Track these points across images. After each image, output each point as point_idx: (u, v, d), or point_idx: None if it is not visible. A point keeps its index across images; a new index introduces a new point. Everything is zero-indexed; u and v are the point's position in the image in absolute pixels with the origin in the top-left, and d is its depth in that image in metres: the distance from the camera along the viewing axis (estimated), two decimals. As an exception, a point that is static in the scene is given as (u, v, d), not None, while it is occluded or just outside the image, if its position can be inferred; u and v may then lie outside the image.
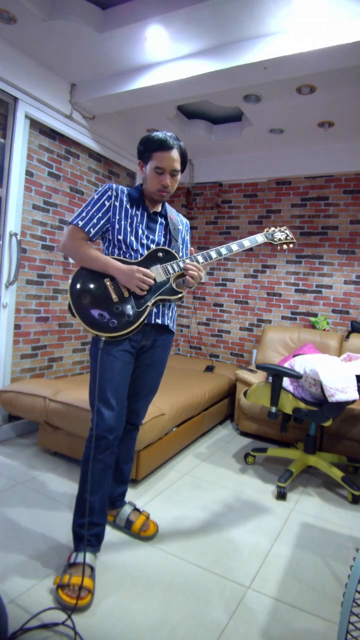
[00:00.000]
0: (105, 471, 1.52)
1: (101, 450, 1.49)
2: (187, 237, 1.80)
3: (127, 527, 1.75)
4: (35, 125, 2.76)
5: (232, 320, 4.08)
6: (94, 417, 1.51)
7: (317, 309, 3.67)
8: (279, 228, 1.77)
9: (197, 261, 1.57)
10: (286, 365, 2.35)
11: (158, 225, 1.63)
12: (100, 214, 1.55)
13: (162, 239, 1.63)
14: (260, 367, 2.28)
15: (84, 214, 1.55)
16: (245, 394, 2.52)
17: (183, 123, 3.43)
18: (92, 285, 1.51)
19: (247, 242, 1.65)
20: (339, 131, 3.18)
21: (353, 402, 2.05)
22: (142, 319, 1.50)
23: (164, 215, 1.66)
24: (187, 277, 1.53)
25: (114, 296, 1.49)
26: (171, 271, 1.55)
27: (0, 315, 2.61)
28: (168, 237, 1.64)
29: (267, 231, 1.75)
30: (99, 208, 1.55)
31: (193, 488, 2.22)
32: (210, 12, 2.03)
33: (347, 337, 3.24)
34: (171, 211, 1.72)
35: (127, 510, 1.79)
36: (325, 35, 2.01)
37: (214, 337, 4.18)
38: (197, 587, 1.46)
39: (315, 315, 3.67)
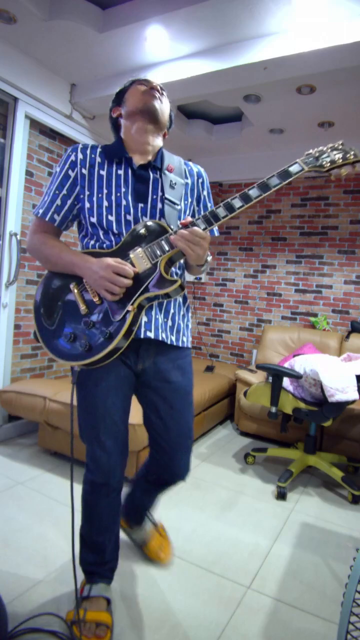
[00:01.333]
0: (113, 511, 1.28)
1: (104, 496, 1.24)
2: (205, 194, 1.28)
3: (141, 545, 1.59)
4: (35, 125, 2.76)
5: (232, 320, 4.08)
6: (88, 459, 1.24)
7: (317, 309, 3.67)
8: (330, 145, 1.08)
9: (216, 217, 1.06)
10: (286, 365, 2.35)
11: (151, 185, 1.15)
12: (65, 191, 1.15)
13: (159, 205, 1.14)
14: (260, 367, 2.28)
15: (45, 197, 1.17)
16: (245, 394, 2.52)
17: (183, 123, 3.43)
18: (55, 295, 1.14)
19: (274, 180, 1.06)
20: (339, 131, 3.18)
21: (353, 402, 2.05)
22: (123, 331, 1.05)
23: (158, 167, 1.17)
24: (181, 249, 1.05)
25: (81, 306, 1.09)
26: (158, 253, 1.07)
27: (0, 315, 2.61)
28: (165, 201, 1.14)
29: (309, 154, 1.08)
30: (62, 182, 1.15)
31: (193, 488, 2.22)
32: (210, 12, 2.03)
33: (347, 337, 3.24)
34: (171, 159, 1.21)
35: (145, 528, 1.57)
36: (325, 35, 2.01)
37: (214, 337, 4.18)
38: (197, 587, 1.46)
39: (315, 315, 3.67)
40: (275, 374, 2.24)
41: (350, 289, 3.53)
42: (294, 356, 2.50)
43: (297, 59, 2.13)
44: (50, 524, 1.78)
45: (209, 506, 2.04)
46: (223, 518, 1.95)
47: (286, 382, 2.32)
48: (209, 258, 1.18)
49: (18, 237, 2.65)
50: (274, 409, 2.26)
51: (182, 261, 1.22)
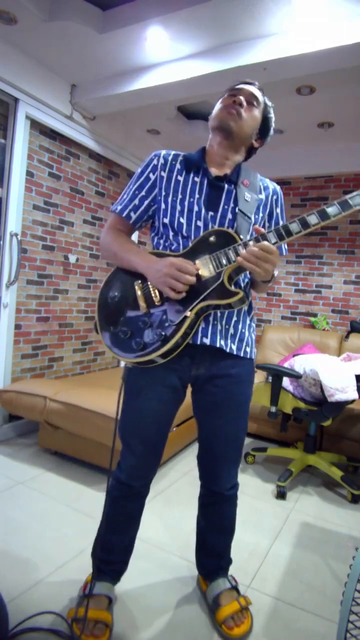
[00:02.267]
0: (132, 514, 1.30)
1: (124, 496, 1.26)
2: (278, 211, 1.27)
3: (212, 608, 1.31)
4: (36, 126, 2.77)
5: (232, 320, 4.08)
6: (120, 457, 1.26)
7: (317, 309, 3.67)
8: None
9: (289, 232, 1.03)
10: (286, 365, 2.35)
11: (224, 196, 1.16)
12: (144, 192, 1.19)
13: (229, 216, 1.14)
14: (260, 367, 2.28)
15: (124, 196, 1.22)
16: (245, 393, 2.52)
17: (183, 123, 3.43)
18: (119, 291, 1.17)
19: (357, 200, 0.99)
20: (338, 131, 3.18)
21: (353, 402, 2.05)
22: (178, 336, 1.06)
23: (233, 181, 1.18)
24: (245, 266, 1.02)
25: (141, 304, 1.12)
26: (224, 262, 1.06)
27: (0, 315, 2.61)
28: (237, 212, 1.14)
29: None
30: (142, 184, 1.20)
31: (193, 488, 2.21)
32: (210, 12, 2.03)
33: (347, 337, 3.24)
34: (247, 174, 1.21)
35: (220, 585, 1.33)
36: (325, 35, 2.01)
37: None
38: (197, 587, 1.47)
39: (315, 315, 3.67)
40: (275, 374, 2.24)
41: (349, 289, 3.53)
42: (294, 356, 2.51)
43: (297, 59, 2.14)
44: (51, 523, 1.78)
45: (209, 506, 2.05)
46: (223, 518, 1.95)
47: (286, 382, 2.32)
48: (276, 273, 1.16)
49: (18, 237, 2.66)
50: (273, 409, 2.27)
51: (248, 274, 1.20)
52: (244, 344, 1.20)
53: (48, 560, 1.54)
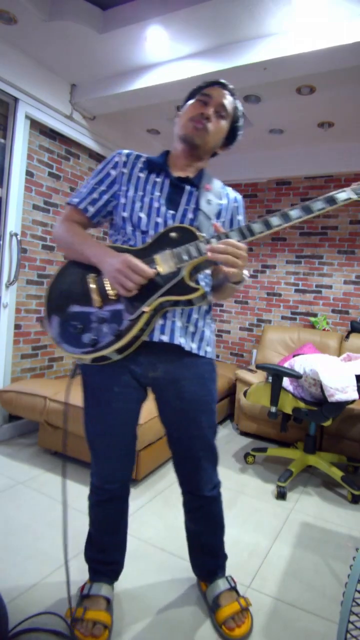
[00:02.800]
0: (115, 516, 1.30)
1: (104, 500, 1.26)
2: (240, 218, 1.28)
3: (212, 609, 1.31)
4: (36, 126, 2.77)
5: (232, 320, 4.08)
6: (92, 462, 1.26)
7: (317, 309, 3.67)
8: None
9: (251, 232, 1.03)
10: (286, 365, 2.35)
11: (184, 197, 1.15)
12: (104, 187, 1.16)
13: (190, 215, 1.13)
14: (260, 367, 2.28)
15: (82, 190, 1.19)
16: (245, 393, 2.52)
17: (183, 123, 3.43)
18: (71, 284, 1.11)
19: (318, 205, 1.03)
20: (339, 131, 3.18)
21: (353, 402, 2.05)
22: (134, 332, 1.02)
23: (195, 184, 1.17)
24: (216, 259, 0.99)
25: (95, 297, 1.07)
26: (185, 258, 1.03)
27: (0, 315, 2.61)
28: (197, 212, 1.13)
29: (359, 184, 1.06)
30: (102, 179, 1.17)
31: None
32: (210, 12, 2.03)
33: (347, 337, 3.24)
34: (210, 180, 1.21)
35: (219, 586, 1.32)
36: (325, 35, 2.01)
37: (214, 337, 4.18)
38: (197, 587, 1.46)
39: (315, 315, 3.67)
40: (275, 374, 2.24)
41: (350, 289, 3.53)
42: (294, 356, 2.50)
43: (297, 59, 2.14)
44: (50, 523, 1.78)
45: (209, 506, 2.04)
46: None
47: (286, 382, 2.32)
48: (247, 275, 1.13)
49: (18, 237, 2.65)
50: (273, 409, 2.27)
51: (210, 275, 1.20)
52: (205, 343, 1.18)
53: (48, 560, 1.54)
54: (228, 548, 1.70)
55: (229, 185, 1.33)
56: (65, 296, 1.11)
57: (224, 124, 1.18)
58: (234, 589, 1.33)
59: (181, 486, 1.32)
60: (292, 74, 2.28)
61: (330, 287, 3.61)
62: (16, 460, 2.38)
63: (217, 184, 1.24)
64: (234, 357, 4.06)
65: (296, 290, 3.77)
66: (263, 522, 1.94)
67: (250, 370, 3.16)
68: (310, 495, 2.24)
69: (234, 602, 1.28)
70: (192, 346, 1.14)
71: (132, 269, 1.00)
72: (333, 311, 3.60)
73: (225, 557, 1.39)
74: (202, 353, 1.17)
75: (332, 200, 1.04)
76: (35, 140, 2.78)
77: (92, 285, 1.08)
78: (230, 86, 1.19)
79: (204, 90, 1.17)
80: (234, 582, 1.35)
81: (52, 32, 2.28)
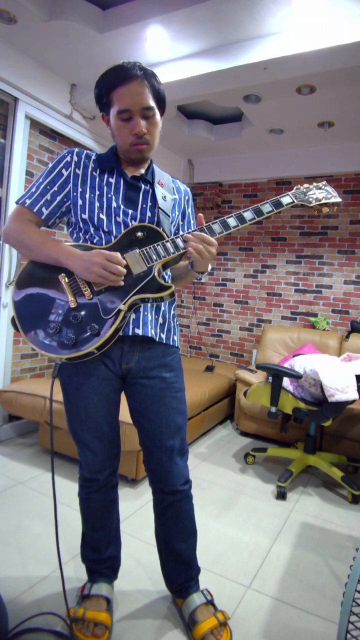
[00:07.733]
0: (106, 507, 1.31)
1: (95, 490, 1.28)
2: (189, 211, 1.33)
3: (189, 625, 1.25)
4: (36, 126, 2.77)
5: (232, 320, 4.08)
6: (79, 455, 1.27)
7: (317, 309, 3.67)
8: (315, 184, 1.21)
9: (212, 232, 1.12)
10: (286, 365, 2.35)
11: (141, 195, 1.18)
12: (56, 187, 1.14)
13: (149, 214, 1.17)
14: (260, 367, 2.28)
15: (33, 189, 1.15)
16: (245, 393, 2.52)
17: (183, 123, 3.43)
18: (41, 286, 1.12)
19: (267, 207, 1.15)
20: (339, 131, 3.18)
21: (353, 402, 2.05)
22: (112, 329, 1.05)
23: (149, 181, 1.20)
24: (191, 253, 1.08)
25: (70, 298, 1.08)
26: (154, 257, 1.09)
27: (0, 315, 2.61)
28: (156, 210, 1.17)
29: (298, 189, 1.19)
30: (54, 179, 1.15)
31: (193, 487, 2.20)
32: (210, 12, 2.03)
33: (347, 337, 3.24)
34: (161, 175, 1.25)
35: (195, 600, 1.27)
36: (325, 35, 2.01)
37: (214, 337, 4.18)
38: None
39: (315, 315, 3.67)
40: (275, 374, 2.24)
41: (350, 289, 3.53)
42: (294, 356, 2.50)
43: (297, 59, 2.14)
44: (50, 523, 1.78)
45: (209, 506, 2.04)
46: (223, 518, 1.95)
47: (286, 382, 2.32)
48: (210, 268, 1.23)
49: (18, 237, 2.65)
50: (273, 409, 2.27)
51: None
52: (172, 333, 1.24)
53: (48, 560, 1.54)
54: (228, 548, 1.70)
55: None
56: (37, 299, 1.11)
57: (157, 117, 1.14)
58: (210, 602, 1.28)
59: (152, 484, 1.29)
60: (292, 74, 2.27)
61: (330, 287, 3.61)
62: (16, 460, 2.38)
63: (167, 178, 1.27)
64: (234, 357, 4.06)
65: (296, 290, 3.77)
66: (263, 522, 1.94)
67: (250, 370, 3.16)
68: (310, 496, 2.24)
69: (211, 617, 1.23)
70: (162, 337, 1.20)
71: (110, 259, 1.04)
72: (333, 311, 3.60)
73: (198, 569, 1.34)
74: (171, 342, 1.24)
75: (278, 204, 1.16)
76: (35, 140, 2.78)
77: (65, 287, 1.10)
78: (136, 68, 1.07)
79: (119, 105, 1.08)
80: (210, 596, 1.29)
81: (52, 32, 2.28)
